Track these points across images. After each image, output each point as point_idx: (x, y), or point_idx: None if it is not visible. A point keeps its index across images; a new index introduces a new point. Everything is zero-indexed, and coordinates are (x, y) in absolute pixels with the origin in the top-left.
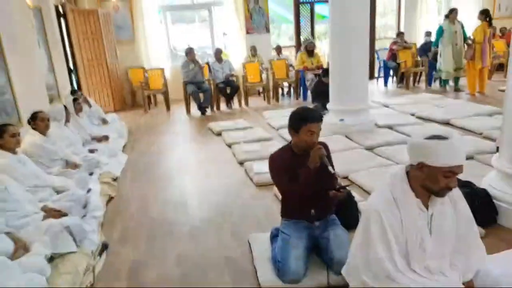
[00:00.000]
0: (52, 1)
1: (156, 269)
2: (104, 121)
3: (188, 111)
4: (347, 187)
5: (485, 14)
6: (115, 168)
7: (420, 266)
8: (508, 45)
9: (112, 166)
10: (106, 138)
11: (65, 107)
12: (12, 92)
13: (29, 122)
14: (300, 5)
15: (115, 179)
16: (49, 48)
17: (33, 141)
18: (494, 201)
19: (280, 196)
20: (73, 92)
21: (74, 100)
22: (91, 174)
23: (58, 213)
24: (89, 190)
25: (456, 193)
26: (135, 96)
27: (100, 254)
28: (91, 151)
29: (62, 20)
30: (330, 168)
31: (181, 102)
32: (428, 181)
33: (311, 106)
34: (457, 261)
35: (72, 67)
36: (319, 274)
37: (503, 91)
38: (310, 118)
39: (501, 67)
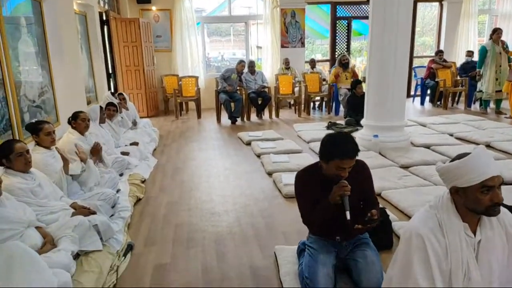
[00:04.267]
0: (96, 9)
1: (179, 275)
2: (134, 123)
3: (218, 119)
4: (376, 220)
5: None
6: (144, 171)
7: None
8: None
9: (141, 168)
10: (136, 144)
11: (101, 107)
12: (53, 92)
13: (69, 122)
14: (337, 21)
15: (143, 181)
16: (91, 53)
17: (69, 139)
18: None
19: None
20: (112, 94)
21: (105, 107)
22: (121, 175)
23: (87, 211)
24: (118, 191)
25: (508, 218)
26: (168, 103)
27: (125, 254)
28: (124, 153)
29: (105, 27)
30: (347, 213)
31: (212, 111)
32: (470, 203)
33: (343, 121)
34: None
35: (110, 72)
36: None
37: None
38: (342, 154)
39: None
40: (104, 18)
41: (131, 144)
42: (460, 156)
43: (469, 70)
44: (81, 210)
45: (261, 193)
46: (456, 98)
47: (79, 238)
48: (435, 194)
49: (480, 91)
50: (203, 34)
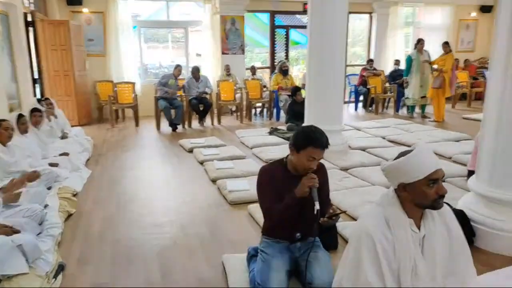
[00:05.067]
0: (20, 9)
1: None
2: (64, 135)
3: (158, 127)
4: (339, 214)
5: (449, 45)
6: (76, 183)
7: None
8: (471, 77)
9: (72, 180)
10: (66, 154)
11: (21, 116)
12: None
13: None
14: (275, 29)
15: (75, 195)
16: (13, 56)
17: None
18: (472, 223)
19: (255, 216)
20: (39, 100)
21: (29, 113)
22: (49, 188)
23: (10, 230)
24: (46, 206)
25: (448, 213)
26: (102, 111)
27: (55, 276)
28: (52, 164)
29: (30, 28)
30: (316, 204)
31: (150, 119)
32: (417, 198)
33: (284, 126)
34: (450, 285)
35: (36, 77)
36: None
37: (467, 119)
38: (316, 142)
39: (463, 97)
40: (30, 19)
41: (61, 154)
42: (403, 153)
43: (397, 77)
44: (2, 229)
45: (205, 201)
46: (386, 104)
47: (0, 261)
48: (374, 194)
49: (407, 97)
50: (140, 39)
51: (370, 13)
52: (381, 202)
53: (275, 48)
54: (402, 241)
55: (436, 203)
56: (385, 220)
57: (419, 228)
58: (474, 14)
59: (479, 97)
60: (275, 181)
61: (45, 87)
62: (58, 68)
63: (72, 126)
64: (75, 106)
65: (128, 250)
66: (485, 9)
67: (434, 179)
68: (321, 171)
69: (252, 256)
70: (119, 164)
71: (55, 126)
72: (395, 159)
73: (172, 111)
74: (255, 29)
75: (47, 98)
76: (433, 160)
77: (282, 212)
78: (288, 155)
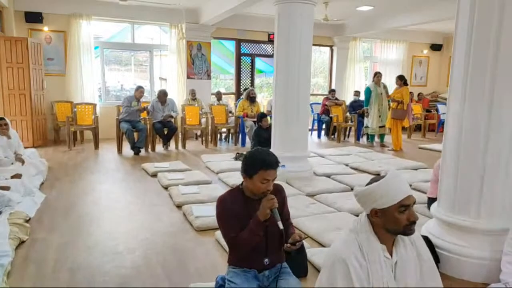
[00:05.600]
0: None
1: None
2: (17, 157)
3: (119, 150)
4: (302, 240)
5: (404, 80)
6: (29, 208)
7: None
8: (425, 109)
9: (25, 205)
10: (18, 176)
11: None
12: None
13: None
14: (241, 57)
15: (28, 221)
16: None
17: None
18: (436, 249)
19: (223, 242)
20: None
21: None
22: None
23: None
24: None
25: (418, 239)
26: (59, 132)
27: None
28: (3, 188)
29: None
30: (279, 223)
31: (110, 141)
32: (389, 224)
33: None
34: None
35: None
36: None
37: (422, 148)
38: (266, 164)
39: (418, 128)
40: None
41: (13, 177)
42: (375, 179)
43: (357, 107)
44: None
45: (170, 227)
46: (347, 132)
47: None
48: (340, 220)
49: (367, 126)
50: (103, 60)
51: (331, 46)
52: (354, 228)
53: (241, 75)
54: (376, 267)
55: (407, 229)
56: (359, 246)
57: (391, 255)
58: (425, 51)
59: (432, 128)
60: (235, 209)
61: None
62: (13, 87)
63: (26, 147)
64: (30, 126)
65: (86, 279)
66: (435, 47)
67: (406, 205)
68: (280, 192)
69: (221, 286)
70: (76, 188)
71: (8, 149)
72: (367, 184)
73: (135, 134)
74: (220, 56)
75: (2, 118)
76: (405, 187)
77: (248, 238)
78: (243, 182)
